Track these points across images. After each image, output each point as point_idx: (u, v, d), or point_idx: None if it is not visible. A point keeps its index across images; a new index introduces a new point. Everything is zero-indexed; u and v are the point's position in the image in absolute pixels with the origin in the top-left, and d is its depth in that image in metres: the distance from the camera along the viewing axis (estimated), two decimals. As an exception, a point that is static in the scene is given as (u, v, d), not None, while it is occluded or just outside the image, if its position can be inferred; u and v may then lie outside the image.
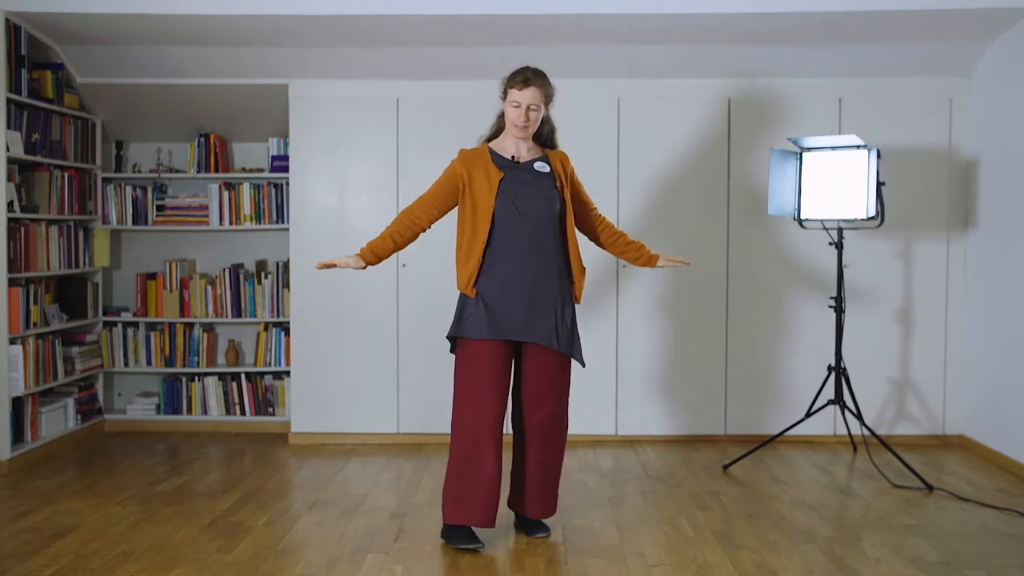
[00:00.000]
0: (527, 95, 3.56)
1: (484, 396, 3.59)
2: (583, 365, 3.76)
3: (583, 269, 3.74)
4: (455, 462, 3.65)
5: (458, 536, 3.66)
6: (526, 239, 3.60)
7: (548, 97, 3.65)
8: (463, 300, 3.67)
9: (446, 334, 3.71)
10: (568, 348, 3.67)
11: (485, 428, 3.59)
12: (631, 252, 3.90)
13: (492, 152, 3.69)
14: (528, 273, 3.60)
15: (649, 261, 3.90)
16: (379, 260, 3.70)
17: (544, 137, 3.78)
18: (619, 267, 5.39)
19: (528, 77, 3.57)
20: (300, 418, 5.48)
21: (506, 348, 3.63)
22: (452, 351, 3.73)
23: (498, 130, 3.75)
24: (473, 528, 3.67)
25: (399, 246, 3.72)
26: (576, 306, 3.75)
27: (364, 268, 3.67)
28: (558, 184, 3.70)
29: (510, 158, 3.68)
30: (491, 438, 3.59)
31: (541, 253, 3.61)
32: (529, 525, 3.82)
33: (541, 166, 3.69)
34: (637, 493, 4.42)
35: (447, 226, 5.38)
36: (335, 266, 3.64)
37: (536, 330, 3.60)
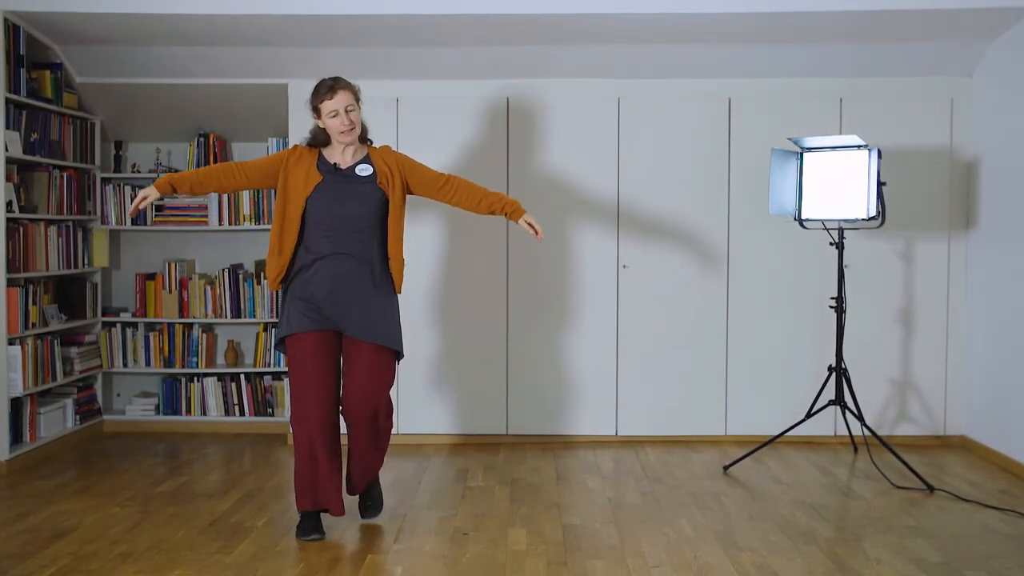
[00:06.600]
0: (340, 100, 3.70)
1: (309, 390, 3.72)
2: (399, 355, 3.86)
3: (402, 262, 3.87)
4: (298, 455, 3.77)
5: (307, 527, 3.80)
6: (338, 242, 3.74)
7: (357, 95, 3.79)
8: (282, 304, 3.85)
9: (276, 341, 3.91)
10: (381, 339, 3.77)
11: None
12: (495, 206, 3.94)
13: (320, 156, 3.85)
14: (341, 273, 3.73)
15: (513, 214, 3.94)
16: (175, 192, 3.86)
17: (363, 136, 3.92)
18: (619, 268, 5.38)
19: (332, 85, 3.72)
20: (300, 419, 5.46)
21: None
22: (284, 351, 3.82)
23: (322, 140, 3.83)
24: (312, 518, 3.80)
25: (197, 185, 3.86)
26: (399, 296, 3.90)
27: (161, 199, 3.83)
28: (381, 182, 3.81)
29: (332, 164, 3.82)
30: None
31: (355, 254, 3.75)
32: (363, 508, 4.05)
33: (363, 169, 3.83)
34: (637, 494, 4.41)
35: (446, 227, 5.41)
36: (146, 200, 3.78)
37: (351, 325, 3.74)
